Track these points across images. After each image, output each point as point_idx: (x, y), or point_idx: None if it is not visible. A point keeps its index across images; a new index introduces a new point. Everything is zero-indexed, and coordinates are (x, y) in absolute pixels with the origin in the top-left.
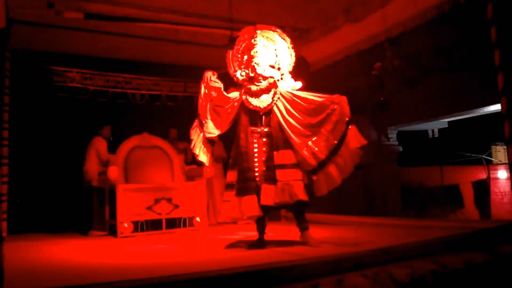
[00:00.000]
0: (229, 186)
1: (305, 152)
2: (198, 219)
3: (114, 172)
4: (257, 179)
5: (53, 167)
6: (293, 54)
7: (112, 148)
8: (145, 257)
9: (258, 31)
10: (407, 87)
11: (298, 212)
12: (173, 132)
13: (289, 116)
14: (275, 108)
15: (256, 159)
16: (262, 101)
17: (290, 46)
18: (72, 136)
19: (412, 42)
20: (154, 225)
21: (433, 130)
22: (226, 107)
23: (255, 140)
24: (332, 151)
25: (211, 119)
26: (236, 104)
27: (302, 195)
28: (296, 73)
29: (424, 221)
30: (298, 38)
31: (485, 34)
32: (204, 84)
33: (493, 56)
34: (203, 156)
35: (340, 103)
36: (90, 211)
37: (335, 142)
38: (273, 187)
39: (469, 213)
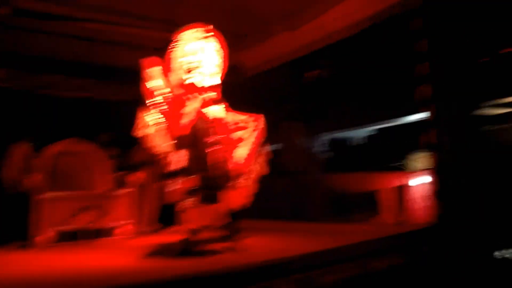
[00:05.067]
0: (191, 193)
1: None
2: (127, 227)
3: (36, 179)
4: (222, 185)
5: None
6: None
7: (37, 153)
8: (68, 268)
9: (211, 33)
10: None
11: (232, 218)
12: (104, 137)
13: (226, 129)
14: (222, 121)
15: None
16: (216, 113)
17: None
18: None
19: (345, 52)
20: (80, 234)
21: (357, 138)
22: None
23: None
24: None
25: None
26: (196, 111)
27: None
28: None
29: (348, 226)
30: (235, 43)
31: (410, 47)
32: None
33: (414, 68)
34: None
35: (260, 119)
36: (9, 221)
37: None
38: (234, 193)
39: (389, 218)
